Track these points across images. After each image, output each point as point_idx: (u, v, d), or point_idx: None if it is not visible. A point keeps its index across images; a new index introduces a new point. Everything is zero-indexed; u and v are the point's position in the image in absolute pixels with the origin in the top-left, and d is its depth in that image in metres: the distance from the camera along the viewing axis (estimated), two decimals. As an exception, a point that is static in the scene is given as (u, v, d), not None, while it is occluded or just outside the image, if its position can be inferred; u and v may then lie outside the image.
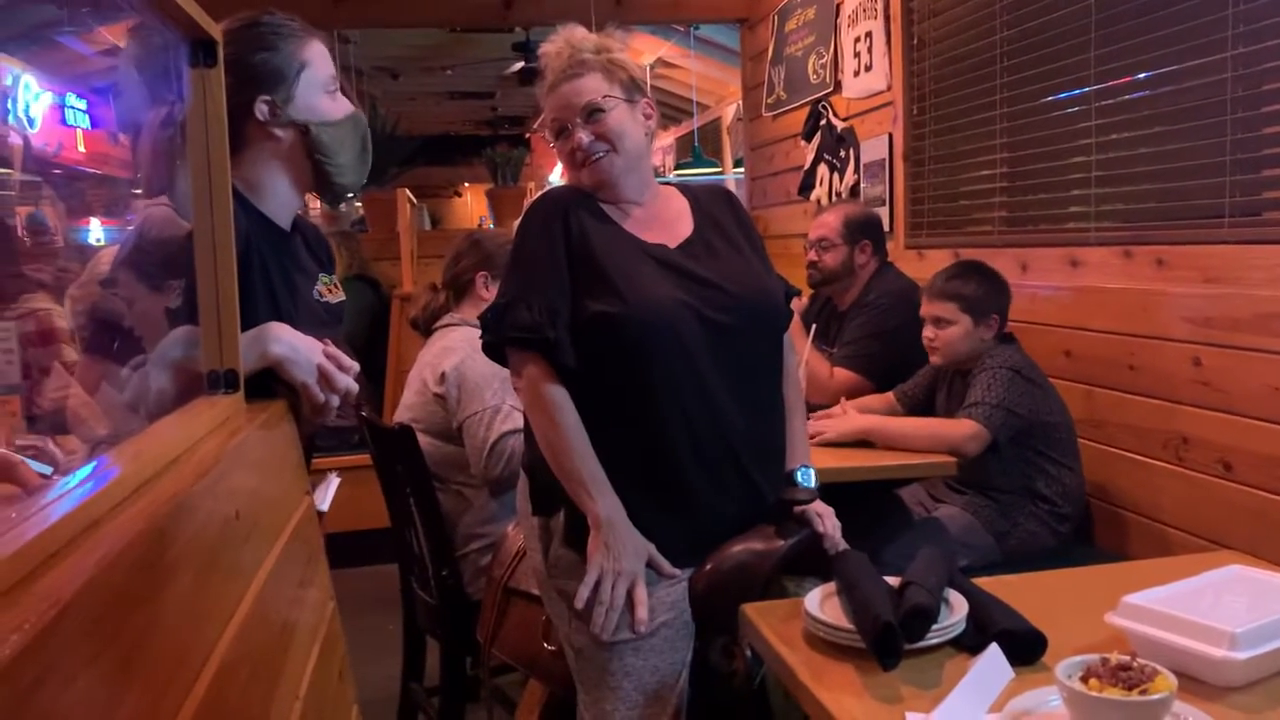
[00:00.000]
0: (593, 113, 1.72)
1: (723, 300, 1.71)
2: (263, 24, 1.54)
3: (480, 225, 12.34)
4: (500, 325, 1.69)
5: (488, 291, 2.55)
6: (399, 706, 2.77)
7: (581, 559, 1.68)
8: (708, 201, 1.88)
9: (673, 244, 1.77)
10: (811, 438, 2.26)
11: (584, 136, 1.72)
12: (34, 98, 6.26)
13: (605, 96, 1.72)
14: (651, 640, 1.65)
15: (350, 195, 6.36)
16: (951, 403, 2.56)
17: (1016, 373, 2.38)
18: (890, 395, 2.75)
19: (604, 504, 1.64)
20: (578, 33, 1.79)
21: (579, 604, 1.63)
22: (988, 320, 2.48)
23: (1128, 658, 1.12)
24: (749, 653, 1.66)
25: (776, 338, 1.83)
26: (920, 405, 2.69)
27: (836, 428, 2.49)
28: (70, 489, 0.84)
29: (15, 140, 5.91)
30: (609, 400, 1.68)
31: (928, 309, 2.53)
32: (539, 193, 4.09)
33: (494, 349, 1.76)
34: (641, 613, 1.62)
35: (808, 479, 1.77)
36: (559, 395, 1.66)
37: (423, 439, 2.42)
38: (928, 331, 2.53)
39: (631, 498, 1.66)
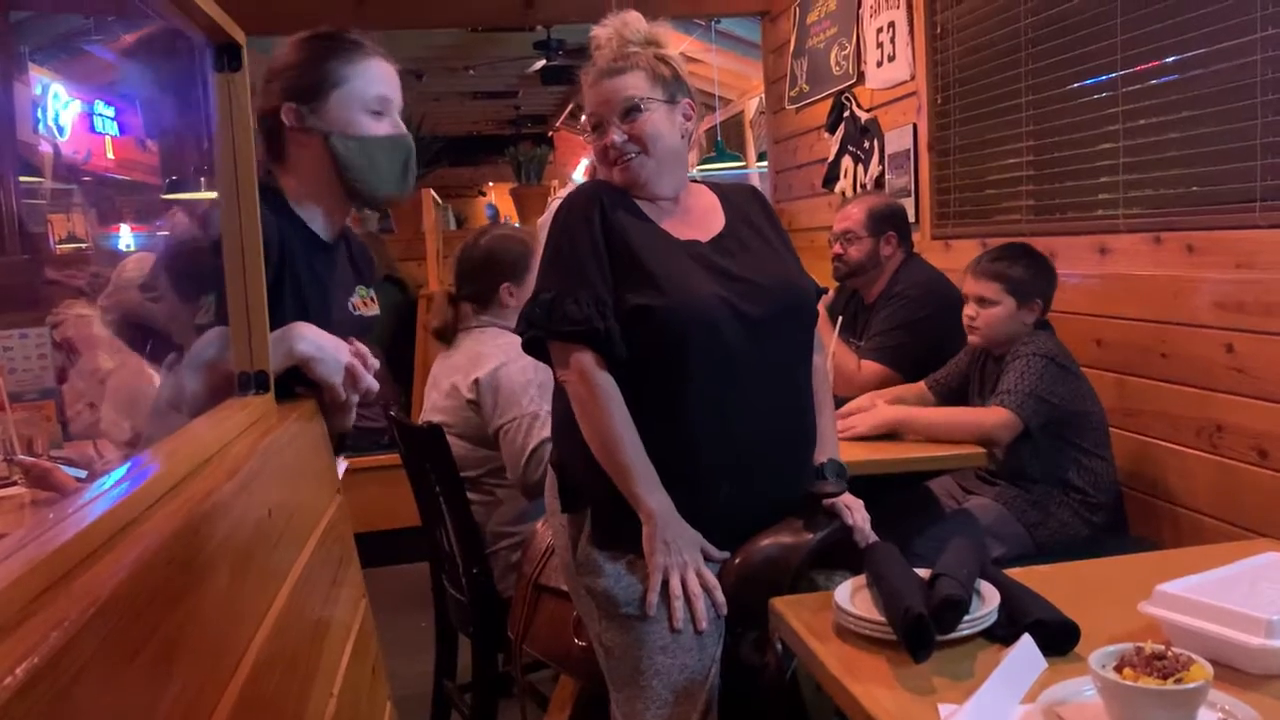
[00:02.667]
0: (629, 112, 1.72)
1: (756, 295, 1.71)
2: (320, 36, 1.59)
3: (492, 214, 12.33)
4: (549, 319, 1.67)
5: (512, 299, 2.54)
6: (432, 703, 2.79)
7: (609, 557, 1.68)
8: (737, 199, 1.87)
9: (705, 239, 1.77)
10: (841, 433, 2.26)
11: (617, 136, 1.72)
12: (63, 106, 6.34)
13: (645, 98, 1.72)
14: (681, 639, 1.65)
15: (383, 207, 6.38)
16: (984, 389, 2.54)
17: (1051, 360, 2.36)
18: (921, 384, 2.73)
19: (656, 499, 1.64)
20: (631, 21, 1.78)
21: (650, 610, 1.62)
22: (1030, 304, 2.45)
23: (1162, 647, 1.11)
24: (779, 646, 1.66)
25: (807, 333, 1.83)
26: (953, 393, 2.67)
27: (866, 421, 2.47)
28: (106, 490, 0.85)
29: (45, 149, 5.98)
30: (642, 393, 1.67)
31: (972, 287, 2.49)
32: (562, 190, 4.09)
33: (536, 344, 1.75)
34: (719, 596, 1.64)
35: (836, 472, 1.76)
36: (611, 388, 1.66)
37: (453, 441, 2.43)
38: (969, 309, 2.50)
39: (686, 508, 1.67)
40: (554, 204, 3.66)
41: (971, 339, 2.54)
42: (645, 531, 1.64)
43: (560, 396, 1.81)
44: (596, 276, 1.67)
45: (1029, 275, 2.45)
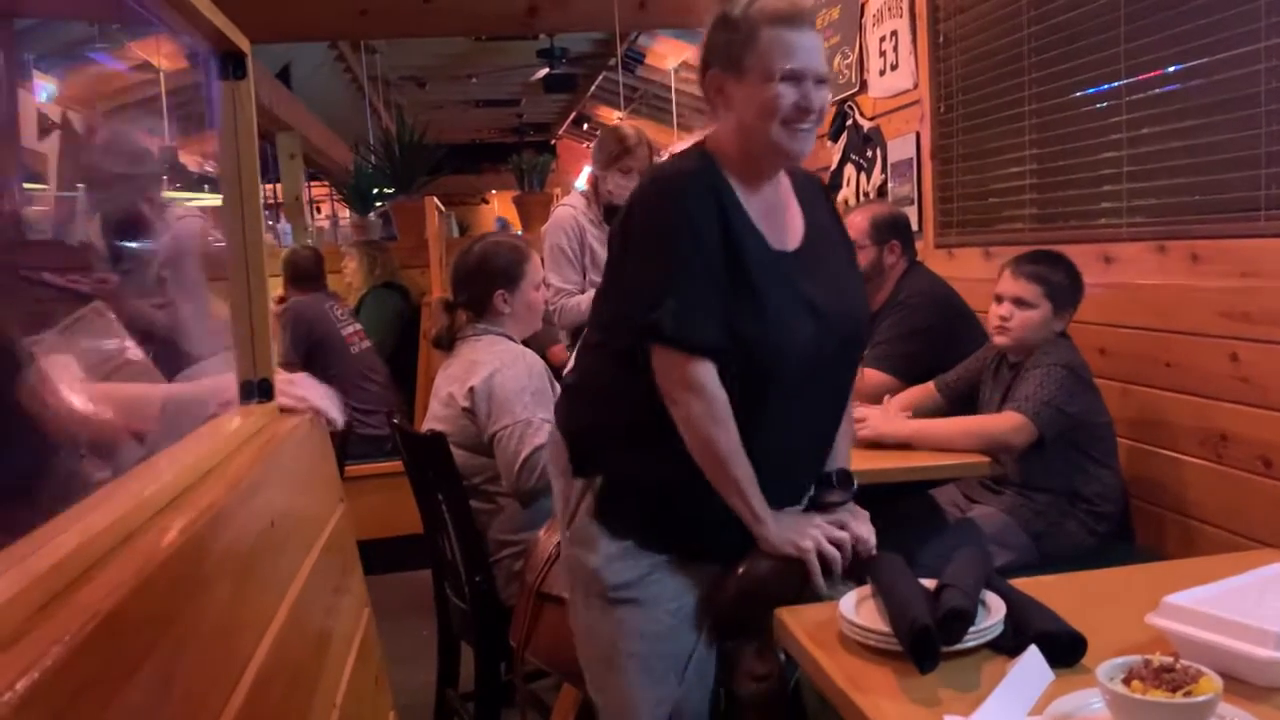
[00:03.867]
0: (823, 81, 1.59)
1: (834, 327, 1.65)
2: None
3: (502, 226, 12.36)
4: (680, 329, 1.53)
5: (506, 306, 2.54)
6: (435, 712, 2.78)
7: (606, 534, 1.66)
8: (808, 190, 1.76)
9: (792, 248, 1.67)
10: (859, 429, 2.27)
11: (819, 100, 1.57)
12: (68, 114, 6.34)
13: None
14: (656, 627, 1.65)
15: (380, 206, 6.36)
16: (995, 394, 2.53)
17: (1071, 371, 2.35)
18: (930, 385, 2.72)
19: (767, 508, 1.61)
20: None
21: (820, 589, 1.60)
22: (1064, 313, 2.43)
23: (1170, 659, 1.10)
24: (783, 656, 1.65)
25: (860, 355, 1.81)
26: (962, 396, 2.66)
27: (876, 428, 2.46)
28: (108, 502, 0.85)
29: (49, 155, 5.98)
30: None
31: (1010, 287, 2.44)
32: (565, 197, 4.08)
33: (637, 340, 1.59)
34: (852, 546, 1.64)
35: (844, 481, 1.75)
36: (726, 404, 1.56)
37: (454, 450, 2.43)
38: (1002, 309, 2.44)
39: (674, 473, 1.62)
40: (558, 210, 3.67)
41: (998, 339, 2.49)
42: (762, 535, 1.60)
43: (597, 367, 1.72)
44: (721, 282, 1.55)
45: (1068, 283, 2.44)
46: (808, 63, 1.56)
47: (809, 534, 1.61)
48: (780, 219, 1.68)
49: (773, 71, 1.55)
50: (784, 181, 1.71)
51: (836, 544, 1.62)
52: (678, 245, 1.56)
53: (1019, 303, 2.43)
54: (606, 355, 1.70)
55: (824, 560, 1.61)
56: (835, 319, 1.65)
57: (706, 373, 1.55)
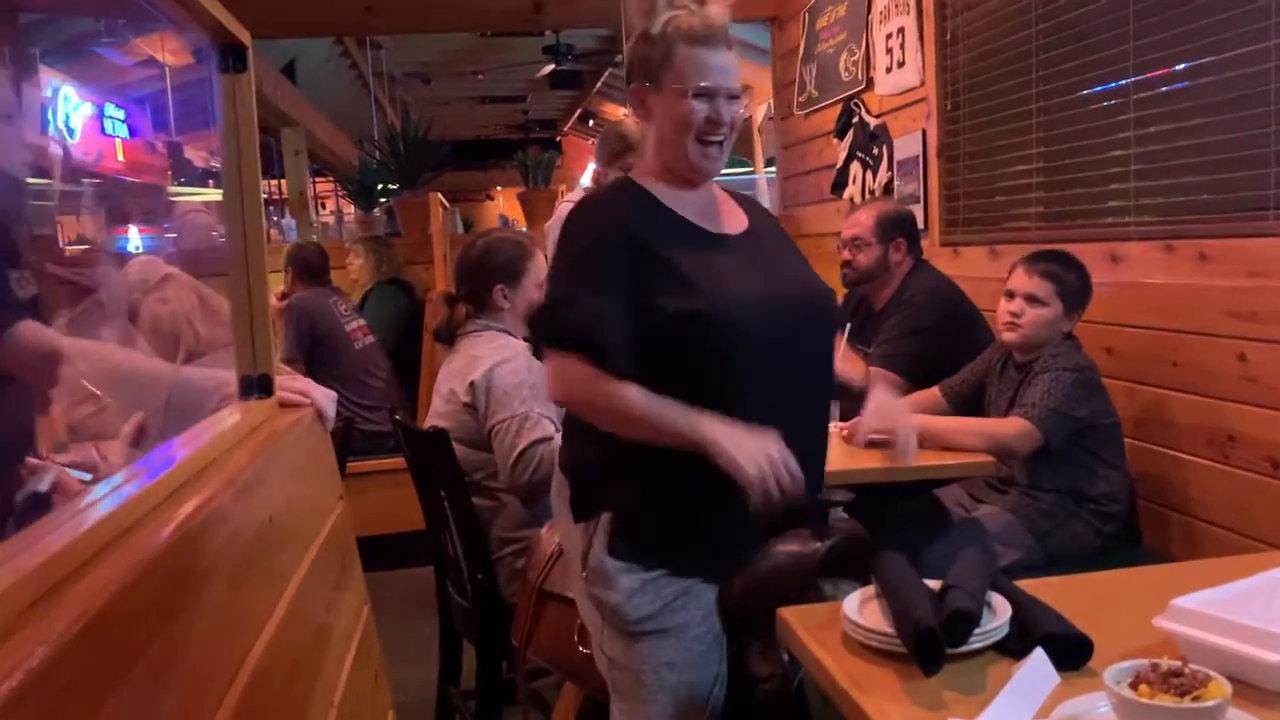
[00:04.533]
0: (734, 99, 1.66)
1: (791, 297, 1.68)
2: None
3: (504, 224, 12.39)
4: (549, 326, 1.63)
5: (506, 301, 2.53)
6: (436, 710, 2.78)
7: (624, 569, 1.65)
8: (749, 205, 1.84)
9: (735, 232, 1.73)
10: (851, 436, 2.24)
11: (727, 114, 1.64)
12: (74, 108, 6.35)
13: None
14: (685, 655, 1.63)
15: (385, 201, 6.34)
16: (1001, 397, 2.51)
17: (1080, 374, 2.33)
18: (935, 391, 2.70)
19: (706, 423, 1.54)
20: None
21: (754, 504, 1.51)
22: (1073, 314, 2.42)
23: (1179, 663, 1.09)
24: (786, 657, 1.64)
25: (832, 339, 1.80)
26: (968, 400, 2.64)
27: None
28: (103, 496, 0.83)
29: (56, 150, 5.99)
30: (674, 396, 1.60)
31: (1022, 284, 2.43)
32: (570, 194, 4.08)
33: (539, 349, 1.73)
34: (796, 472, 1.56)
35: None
36: (616, 383, 1.57)
37: (455, 447, 2.42)
38: (1014, 305, 2.43)
39: (684, 491, 1.62)
40: (562, 207, 3.66)
41: (1007, 336, 2.46)
42: (718, 451, 1.53)
43: None
44: (610, 284, 1.59)
45: (1080, 284, 2.42)
46: (719, 81, 1.64)
47: (762, 456, 1.52)
48: (716, 213, 1.75)
49: (686, 88, 1.64)
50: (715, 188, 1.79)
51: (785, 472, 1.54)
52: (567, 255, 1.67)
53: (1031, 300, 2.41)
54: None
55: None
56: (786, 289, 1.68)
57: (578, 369, 1.58)
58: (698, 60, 1.64)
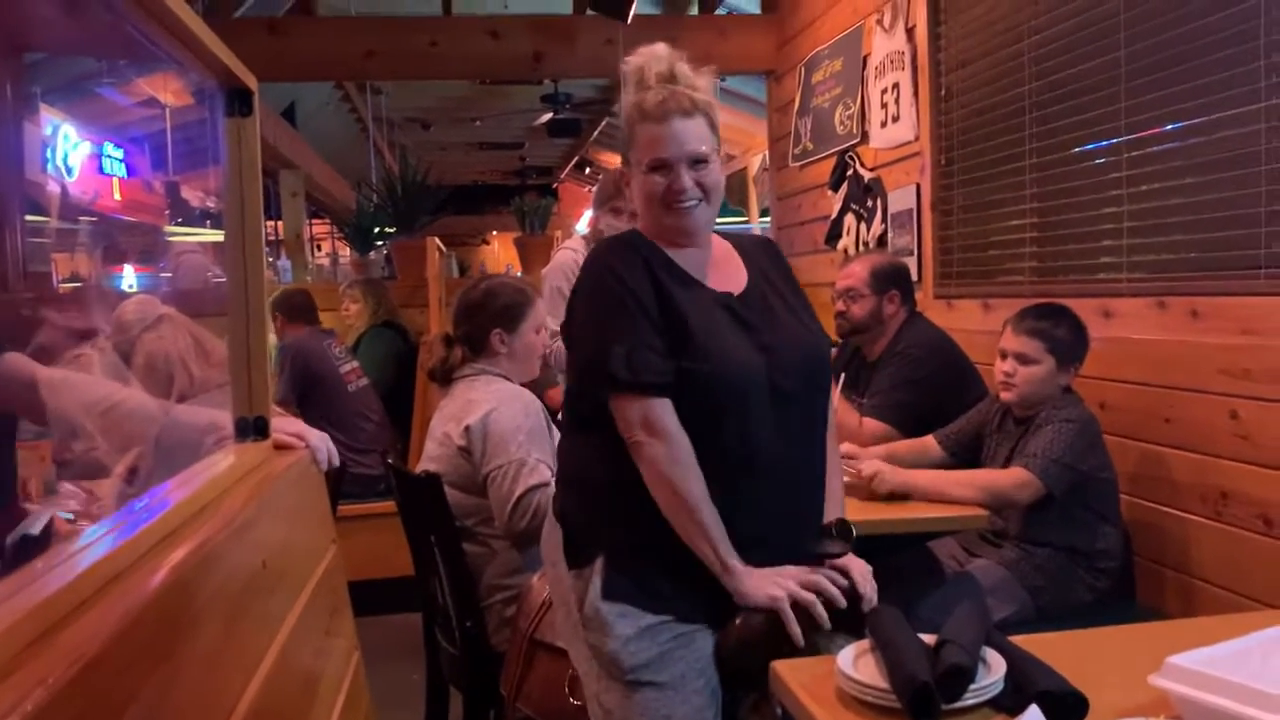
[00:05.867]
0: (698, 162, 1.69)
1: (787, 363, 1.69)
2: None
3: (507, 272, 12.46)
4: (632, 371, 1.60)
5: (503, 346, 2.53)
6: (421, 759, 2.73)
7: (619, 615, 1.64)
8: (753, 250, 1.85)
9: (735, 291, 1.75)
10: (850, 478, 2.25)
11: (687, 181, 1.68)
12: (72, 147, 6.39)
13: (712, 151, 1.70)
14: (683, 709, 1.62)
15: (381, 245, 6.35)
16: (1003, 449, 2.51)
17: (1083, 426, 2.34)
18: (929, 440, 2.70)
19: (736, 558, 1.60)
20: (668, 56, 1.73)
21: (798, 643, 1.57)
22: (1069, 368, 2.42)
23: (1174, 722, 1.08)
24: (779, 711, 1.62)
25: (827, 399, 1.81)
26: (965, 449, 2.64)
27: (885, 484, 2.42)
28: (97, 539, 0.83)
29: (53, 188, 6.02)
30: None
31: (1011, 343, 2.45)
32: (566, 240, 4.10)
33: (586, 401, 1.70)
34: (833, 591, 1.61)
35: (843, 533, 1.73)
36: (689, 445, 1.61)
37: (448, 491, 2.41)
38: (1006, 365, 2.45)
39: (677, 551, 1.63)
40: (559, 253, 3.68)
41: (1004, 395, 2.48)
42: (737, 588, 1.60)
43: (572, 448, 1.78)
44: (660, 326, 1.63)
45: (1072, 338, 2.42)
46: (674, 151, 1.68)
47: (781, 584, 1.60)
48: (718, 270, 1.77)
49: (644, 163, 1.70)
50: (719, 245, 1.81)
51: (816, 589, 1.60)
52: (613, 301, 1.66)
53: (1021, 359, 2.42)
54: (590, 436, 1.72)
55: (804, 608, 1.59)
56: (785, 350, 1.70)
57: (663, 411, 1.61)
58: (651, 135, 1.69)
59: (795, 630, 1.57)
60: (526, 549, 2.41)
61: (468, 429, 2.41)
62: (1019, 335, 2.44)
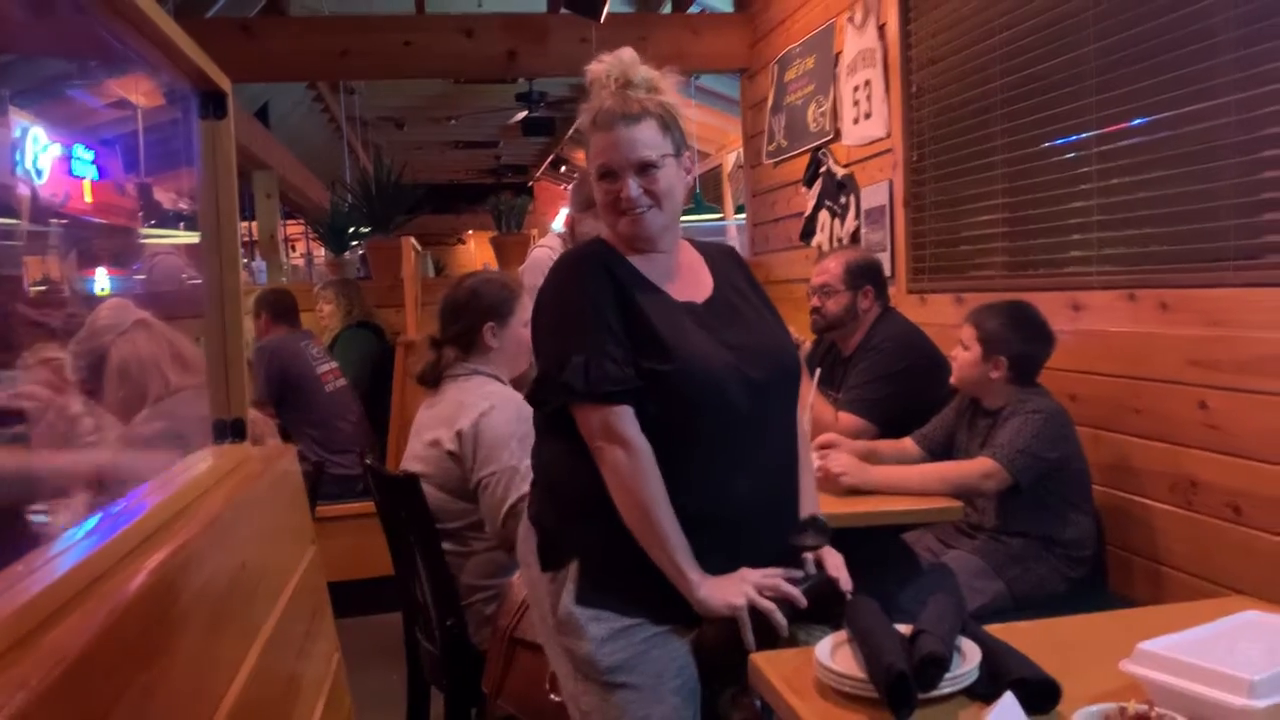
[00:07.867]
0: (646, 168, 1.67)
1: (756, 360, 1.70)
2: None
3: (484, 268, 12.43)
4: (589, 382, 1.60)
5: (495, 340, 2.52)
6: (403, 759, 2.73)
7: (593, 618, 1.65)
8: (719, 259, 1.86)
9: (699, 300, 1.75)
10: (820, 473, 2.26)
11: (634, 189, 1.67)
12: (42, 149, 6.32)
13: (662, 155, 1.68)
14: (661, 708, 1.63)
15: (356, 245, 6.30)
16: (971, 443, 2.55)
17: (1049, 417, 2.38)
18: (909, 441, 2.73)
19: (698, 569, 1.61)
20: (629, 61, 1.71)
21: (749, 648, 1.57)
22: (994, 360, 2.47)
23: (1145, 706, 1.11)
24: (758, 703, 1.64)
25: (795, 397, 1.83)
26: (940, 446, 2.67)
27: (855, 479, 2.44)
28: (78, 541, 0.83)
29: (23, 191, 5.95)
30: None
31: (961, 330, 2.58)
32: (541, 239, 4.10)
33: (550, 410, 1.70)
34: (794, 593, 1.60)
35: (818, 526, 1.75)
36: (651, 453, 1.61)
37: (432, 493, 2.40)
38: (955, 349, 2.58)
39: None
40: (535, 251, 3.67)
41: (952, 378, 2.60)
42: (695, 597, 1.60)
43: (545, 452, 1.78)
44: (621, 334, 1.63)
45: (1004, 332, 2.47)
46: (617, 159, 1.68)
47: (740, 590, 1.60)
48: (683, 278, 1.77)
49: (595, 171, 1.71)
50: (686, 252, 1.82)
51: (775, 592, 1.60)
52: (572, 311, 1.67)
53: (962, 344, 2.54)
54: (560, 442, 1.72)
55: (763, 613, 1.59)
56: (752, 355, 1.70)
57: (624, 419, 1.61)
58: (599, 143, 1.70)
59: (749, 639, 1.58)
60: (514, 553, 2.40)
61: (459, 434, 2.39)
62: (964, 322, 2.57)
